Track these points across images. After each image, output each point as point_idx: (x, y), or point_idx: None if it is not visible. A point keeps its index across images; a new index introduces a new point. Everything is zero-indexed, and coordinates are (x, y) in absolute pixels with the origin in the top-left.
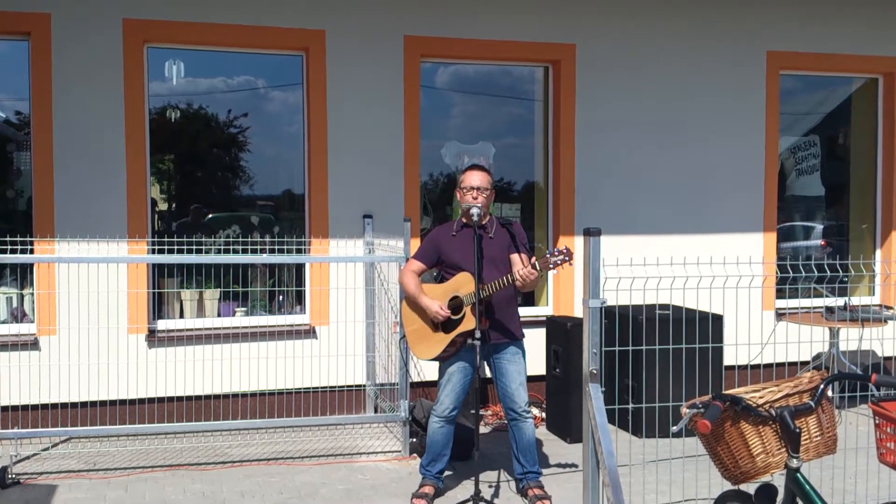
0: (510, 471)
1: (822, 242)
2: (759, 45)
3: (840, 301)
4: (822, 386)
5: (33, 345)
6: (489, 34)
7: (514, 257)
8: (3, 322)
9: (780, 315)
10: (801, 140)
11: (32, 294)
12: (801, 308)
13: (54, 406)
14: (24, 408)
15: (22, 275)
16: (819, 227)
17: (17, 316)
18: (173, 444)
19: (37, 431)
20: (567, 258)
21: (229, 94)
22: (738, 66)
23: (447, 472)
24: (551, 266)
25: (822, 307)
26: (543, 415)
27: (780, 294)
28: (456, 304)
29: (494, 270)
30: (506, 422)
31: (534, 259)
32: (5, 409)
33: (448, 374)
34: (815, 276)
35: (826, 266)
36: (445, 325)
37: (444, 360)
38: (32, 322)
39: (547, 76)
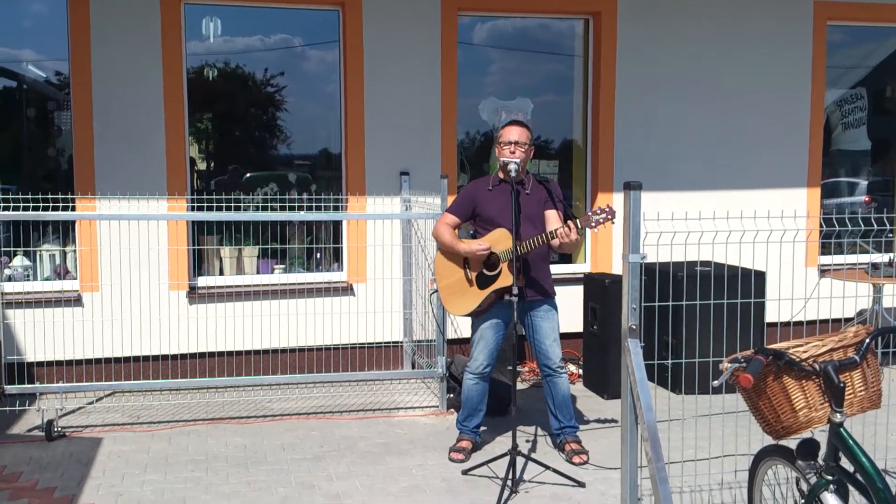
0: (547, 427)
1: (867, 199)
2: None
3: (885, 257)
4: (867, 340)
5: (76, 301)
6: None
7: (549, 213)
8: (47, 279)
9: (823, 271)
10: (848, 93)
11: (75, 251)
12: (846, 264)
13: (98, 361)
14: (69, 363)
15: (64, 232)
16: (864, 182)
17: (61, 273)
18: (215, 398)
19: (81, 385)
20: (609, 216)
21: (266, 53)
22: (784, 16)
23: (483, 428)
24: (593, 224)
25: (866, 263)
26: (580, 371)
27: (824, 250)
28: (492, 261)
29: (531, 227)
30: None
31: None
32: (50, 363)
33: (481, 331)
34: (861, 231)
35: (873, 220)
36: (480, 281)
37: (478, 316)
38: (75, 279)
39: (587, 29)
